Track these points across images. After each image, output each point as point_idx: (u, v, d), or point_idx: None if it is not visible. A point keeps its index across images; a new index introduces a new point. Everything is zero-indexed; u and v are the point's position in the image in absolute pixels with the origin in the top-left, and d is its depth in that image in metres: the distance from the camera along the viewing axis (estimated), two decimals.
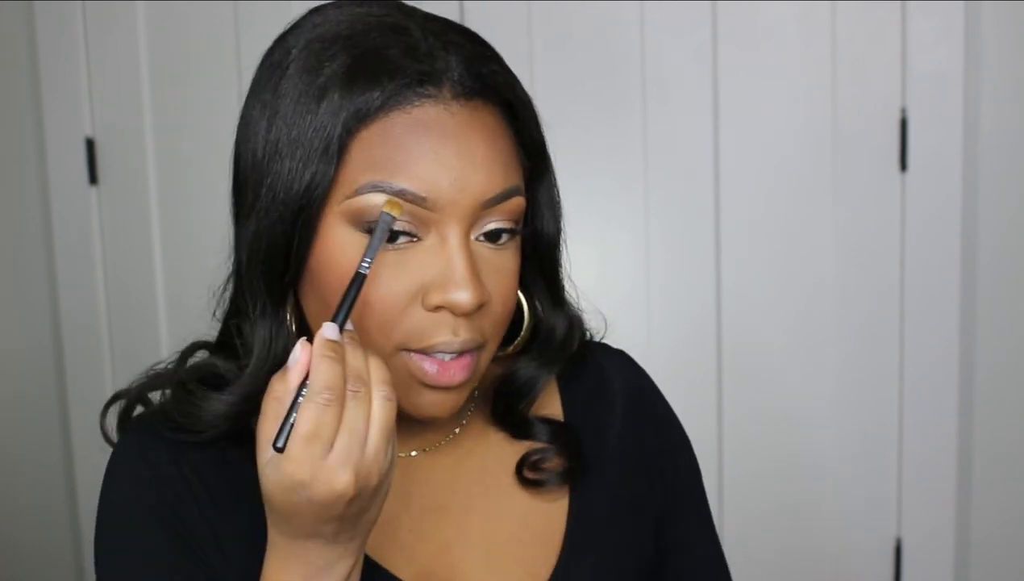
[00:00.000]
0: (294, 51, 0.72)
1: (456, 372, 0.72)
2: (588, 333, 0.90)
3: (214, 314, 0.82)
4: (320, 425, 0.64)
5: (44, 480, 2.13)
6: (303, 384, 0.65)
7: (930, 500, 1.86)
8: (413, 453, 0.82)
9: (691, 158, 1.85)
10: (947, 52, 1.76)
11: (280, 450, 0.64)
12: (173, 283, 2.02)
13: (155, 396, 0.84)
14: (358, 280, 0.68)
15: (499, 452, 0.85)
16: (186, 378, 0.79)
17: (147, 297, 2.03)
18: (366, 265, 0.68)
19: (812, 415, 1.88)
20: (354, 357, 0.66)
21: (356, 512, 0.67)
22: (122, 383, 0.86)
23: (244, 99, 0.77)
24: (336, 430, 0.64)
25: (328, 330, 0.66)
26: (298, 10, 0.76)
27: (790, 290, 1.86)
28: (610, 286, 1.88)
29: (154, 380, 0.83)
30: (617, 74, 1.86)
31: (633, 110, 1.86)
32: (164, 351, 2.03)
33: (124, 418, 0.83)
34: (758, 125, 1.83)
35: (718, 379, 1.89)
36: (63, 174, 2.04)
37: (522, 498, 0.84)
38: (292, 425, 0.64)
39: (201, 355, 0.83)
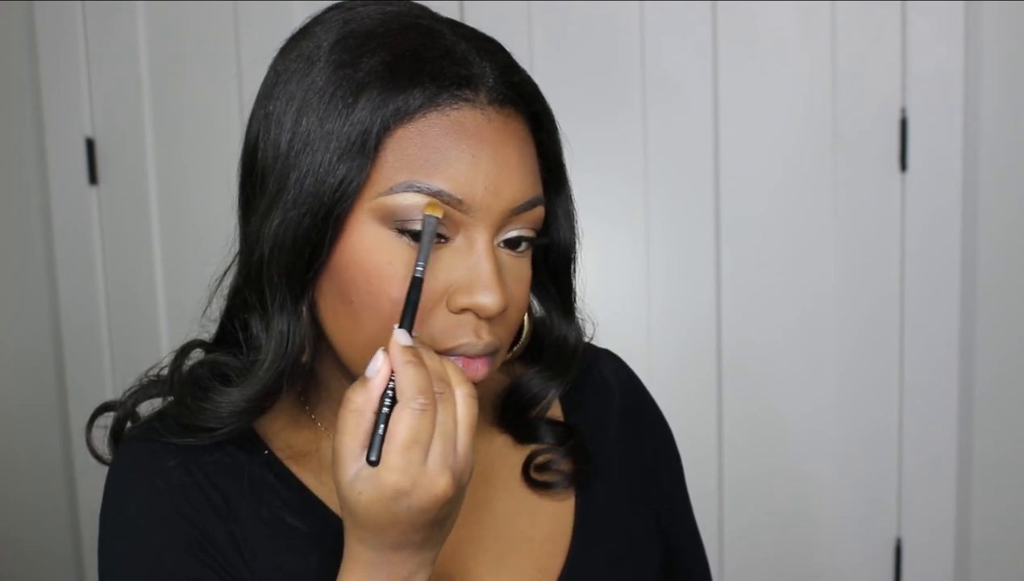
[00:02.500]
0: (325, 44, 0.72)
1: (479, 367, 0.72)
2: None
3: (204, 313, 0.81)
4: (419, 432, 0.63)
5: (44, 480, 2.13)
6: (384, 394, 0.65)
7: (930, 500, 1.86)
8: None
9: (691, 158, 1.85)
10: (947, 52, 1.76)
11: (375, 463, 0.64)
12: (173, 283, 2.02)
13: (143, 409, 0.82)
14: (417, 285, 0.67)
15: (505, 452, 0.85)
16: (197, 374, 0.78)
17: (147, 297, 2.03)
18: (420, 268, 0.68)
19: (812, 415, 1.88)
20: (431, 359, 0.66)
21: (446, 514, 0.67)
22: (122, 384, 0.85)
23: (242, 99, 0.77)
24: (431, 435, 0.64)
25: (402, 337, 0.66)
26: (298, 10, 0.76)
27: (790, 290, 1.86)
28: (610, 287, 1.88)
29: (151, 386, 0.82)
30: (617, 74, 1.86)
31: (633, 110, 1.86)
32: (165, 351, 2.02)
33: (118, 429, 0.82)
34: (758, 125, 1.83)
35: (718, 378, 1.89)
36: (63, 174, 2.04)
37: (530, 496, 0.84)
38: (383, 435, 0.64)
39: (198, 354, 0.82)
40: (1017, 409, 1.83)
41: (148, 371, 0.82)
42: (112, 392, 2.04)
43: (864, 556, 1.89)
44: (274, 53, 0.77)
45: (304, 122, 0.71)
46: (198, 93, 1.97)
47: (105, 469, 0.81)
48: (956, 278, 1.80)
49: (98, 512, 0.79)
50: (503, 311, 0.71)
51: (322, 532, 0.77)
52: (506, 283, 0.72)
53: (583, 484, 0.85)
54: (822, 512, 1.89)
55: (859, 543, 1.89)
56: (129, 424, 0.82)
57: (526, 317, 0.81)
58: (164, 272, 2.03)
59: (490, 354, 0.73)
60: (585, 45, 1.86)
